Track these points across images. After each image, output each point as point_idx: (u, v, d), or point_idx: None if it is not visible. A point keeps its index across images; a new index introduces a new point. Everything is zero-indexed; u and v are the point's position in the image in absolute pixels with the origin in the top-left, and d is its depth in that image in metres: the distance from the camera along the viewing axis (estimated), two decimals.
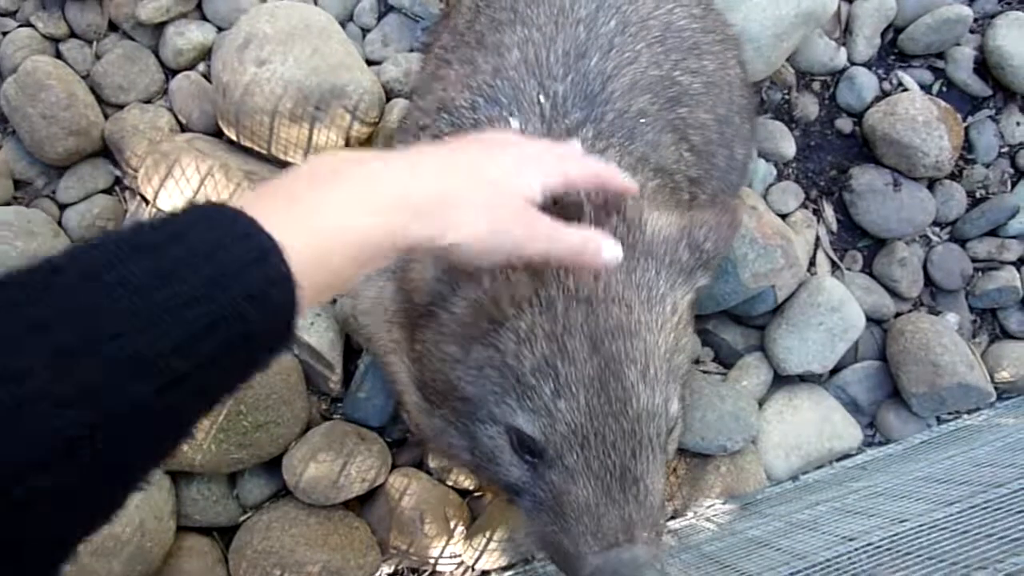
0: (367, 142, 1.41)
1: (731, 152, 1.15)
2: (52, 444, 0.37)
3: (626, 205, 0.79)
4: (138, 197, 1.45)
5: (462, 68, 1.01)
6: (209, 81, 1.47)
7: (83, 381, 0.38)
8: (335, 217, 0.51)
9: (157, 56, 1.49)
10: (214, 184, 1.33)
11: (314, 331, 1.36)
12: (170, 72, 1.50)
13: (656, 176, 0.94)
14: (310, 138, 1.35)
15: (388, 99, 1.42)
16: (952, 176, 1.68)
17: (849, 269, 1.62)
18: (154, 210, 1.40)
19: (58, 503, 0.39)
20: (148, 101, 1.49)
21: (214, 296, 0.42)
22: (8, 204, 1.44)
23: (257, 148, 1.38)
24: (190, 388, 0.42)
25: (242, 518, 1.41)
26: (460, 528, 1.40)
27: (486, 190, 0.60)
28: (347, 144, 1.37)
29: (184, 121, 1.47)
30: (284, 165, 1.41)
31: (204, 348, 0.42)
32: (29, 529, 0.39)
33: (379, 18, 1.54)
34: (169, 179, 1.34)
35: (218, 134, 1.45)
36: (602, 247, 0.66)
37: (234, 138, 1.39)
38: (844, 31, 1.66)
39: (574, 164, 0.69)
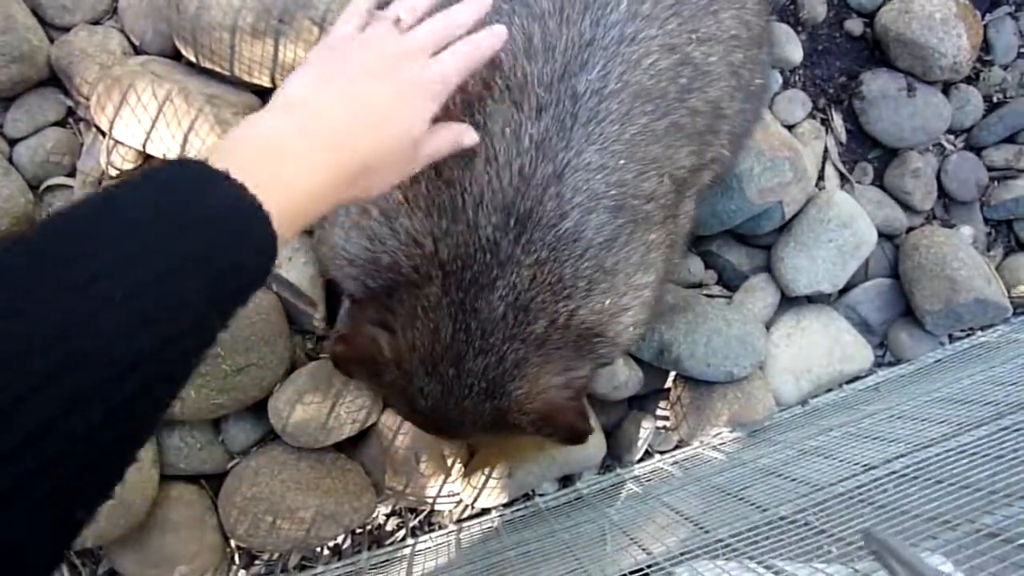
0: None
1: (746, 92, 0.97)
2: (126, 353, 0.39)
3: None
4: (93, 128, 1.34)
5: None
6: None
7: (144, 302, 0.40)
8: (303, 180, 0.54)
9: None
10: (174, 110, 1.22)
11: (292, 267, 1.27)
12: None
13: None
14: (276, 55, 1.23)
15: None
16: (968, 80, 1.58)
17: (859, 182, 1.53)
18: (111, 142, 1.28)
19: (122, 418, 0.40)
20: (97, 22, 1.35)
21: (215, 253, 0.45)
22: None
23: (218, 69, 1.26)
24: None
25: (230, 464, 1.35)
26: (458, 466, 1.35)
27: (396, 145, 0.63)
28: None
29: (137, 43, 1.34)
30: (248, 87, 1.29)
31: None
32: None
33: None
34: (124, 107, 1.22)
35: (176, 56, 1.32)
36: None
37: (193, 59, 1.27)
38: None
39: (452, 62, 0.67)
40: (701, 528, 0.93)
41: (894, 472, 0.90)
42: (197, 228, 0.44)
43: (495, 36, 0.69)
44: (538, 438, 1.29)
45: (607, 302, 0.84)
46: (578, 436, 0.91)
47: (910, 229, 1.54)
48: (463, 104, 0.80)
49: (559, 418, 0.88)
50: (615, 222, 0.81)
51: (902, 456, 0.94)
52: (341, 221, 0.89)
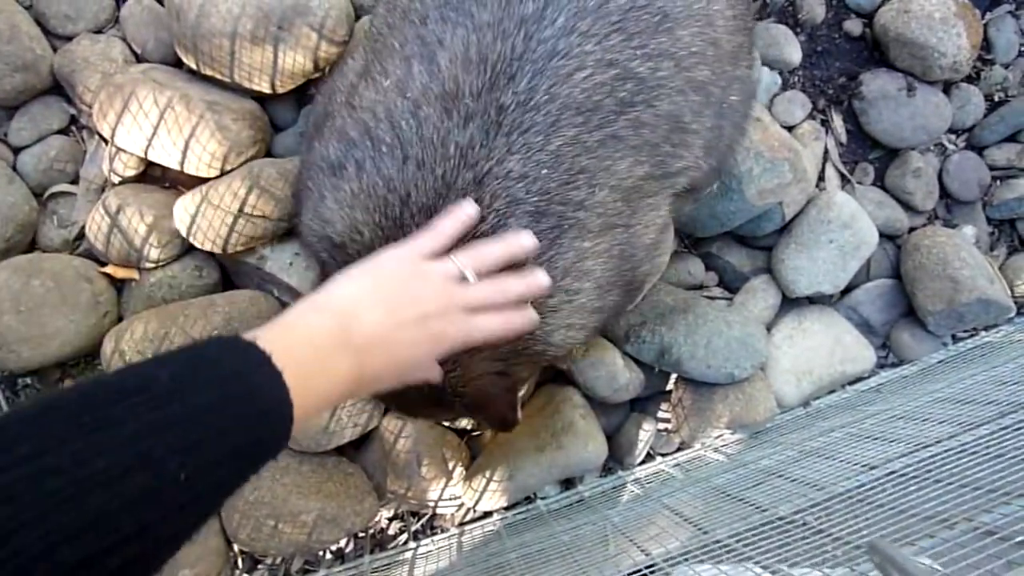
0: (337, 64, 1.29)
1: (718, 109, 0.99)
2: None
3: None
4: (96, 136, 1.35)
5: (387, 80, 0.90)
6: (163, 5, 1.34)
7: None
8: (327, 392, 0.62)
9: None
10: (175, 117, 1.23)
11: (294, 271, 1.28)
12: None
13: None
14: (275, 62, 1.24)
15: (357, 16, 1.30)
16: (969, 79, 1.57)
17: (860, 183, 1.53)
18: (113, 149, 1.30)
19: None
20: (99, 31, 1.37)
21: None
22: None
23: (219, 76, 1.27)
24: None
25: None
26: (459, 469, 1.35)
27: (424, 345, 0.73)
28: (316, 68, 1.26)
29: (139, 51, 1.35)
30: (249, 93, 1.30)
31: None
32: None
33: None
34: (126, 114, 1.23)
35: (177, 63, 1.33)
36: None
37: (194, 67, 1.28)
38: None
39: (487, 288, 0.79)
40: (701, 529, 0.93)
41: (894, 472, 0.89)
42: (250, 425, 0.51)
43: (528, 321, 0.83)
44: (538, 439, 1.30)
45: (530, 303, 0.87)
46: (505, 425, 0.97)
47: (912, 229, 1.53)
48: None
49: (489, 405, 0.94)
50: (536, 227, 0.84)
51: (903, 456, 0.94)
52: (310, 205, 0.95)
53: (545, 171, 0.83)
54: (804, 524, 0.82)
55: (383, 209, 0.85)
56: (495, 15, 0.83)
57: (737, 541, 0.84)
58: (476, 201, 0.82)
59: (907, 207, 1.52)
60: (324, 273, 0.97)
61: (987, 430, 0.92)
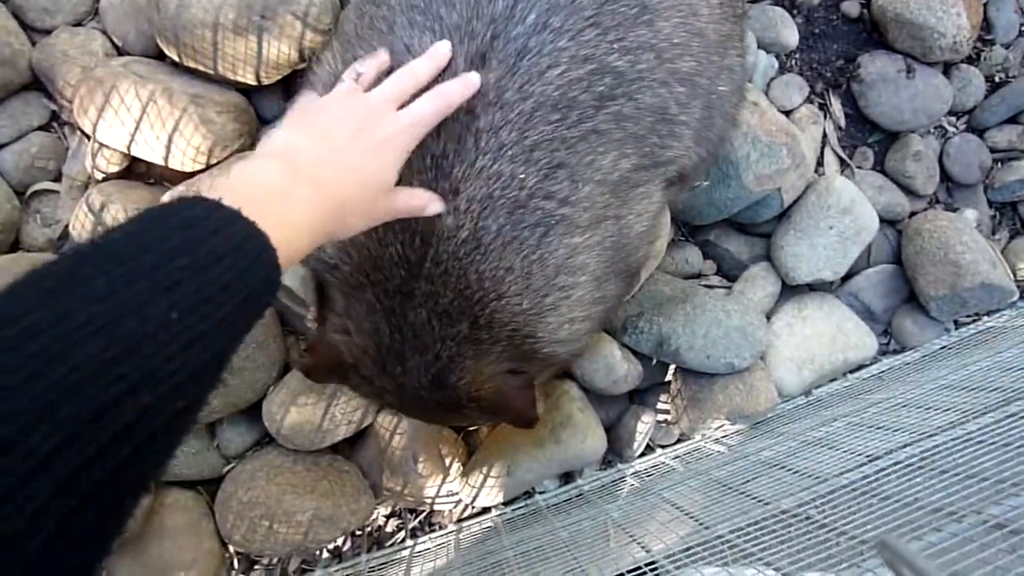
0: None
1: (707, 99, 0.96)
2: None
3: None
4: (77, 132, 1.32)
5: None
6: None
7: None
8: (299, 219, 0.61)
9: None
10: (157, 111, 1.20)
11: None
12: None
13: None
14: (260, 52, 1.21)
15: (342, 3, 1.27)
16: (969, 60, 1.55)
17: (859, 167, 1.50)
18: (96, 145, 1.27)
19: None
20: (78, 24, 1.33)
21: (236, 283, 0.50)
22: None
23: (202, 68, 1.24)
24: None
25: (225, 469, 1.34)
26: (456, 465, 1.33)
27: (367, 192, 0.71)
28: (301, 57, 1.23)
29: (120, 44, 1.32)
30: (233, 85, 1.27)
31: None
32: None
33: None
34: (107, 109, 1.20)
35: (159, 56, 1.30)
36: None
37: (176, 59, 1.25)
38: None
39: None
40: (701, 524, 0.91)
41: (898, 463, 0.87)
42: (226, 258, 0.49)
43: (465, 85, 0.78)
44: (535, 433, 1.28)
45: (524, 304, 0.87)
46: (525, 422, 0.96)
47: (912, 214, 1.51)
48: None
49: (507, 405, 0.93)
50: (518, 226, 0.83)
51: (907, 446, 0.91)
52: None
53: (521, 168, 0.81)
54: (808, 518, 0.79)
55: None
56: (464, 15, 0.81)
57: (739, 537, 0.82)
58: (454, 209, 0.81)
59: (908, 191, 1.50)
60: (318, 285, 0.97)
61: (992, 418, 0.90)
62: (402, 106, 0.76)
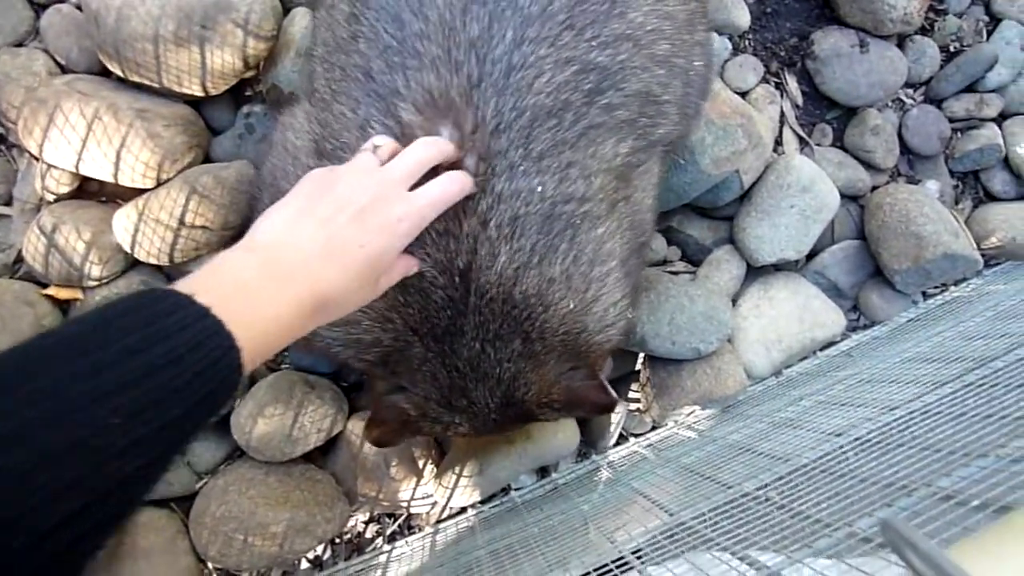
0: (269, 60, 1.25)
1: (685, 77, 1.00)
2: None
3: None
4: (26, 154, 1.30)
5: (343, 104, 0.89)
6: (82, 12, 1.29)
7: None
8: (268, 318, 0.59)
9: None
10: (103, 128, 1.18)
11: None
12: (39, 7, 1.32)
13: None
14: (203, 62, 1.19)
15: (286, 10, 1.25)
16: (923, 31, 1.54)
17: (819, 144, 1.50)
18: (44, 166, 1.25)
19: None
20: (19, 44, 1.31)
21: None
22: None
23: (147, 82, 1.23)
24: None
25: (198, 485, 1.33)
26: (429, 467, 1.32)
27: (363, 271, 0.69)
28: (247, 65, 1.22)
29: (63, 62, 1.30)
30: (180, 97, 1.25)
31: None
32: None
33: None
34: (52, 128, 1.19)
35: (104, 72, 1.29)
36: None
37: (120, 74, 1.23)
38: None
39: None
40: (668, 512, 0.91)
41: (858, 439, 0.87)
42: (185, 358, 0.48)
43: (463, 180, 0.78)
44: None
45: (571, 305, 0.89)
46: (604, 408, 0.98)
47: (874, 188, 1.51)
48: None
49: (582, 399, 0.96)
50: (548, 235, 0.85)
51: (867, 420, 0.91)
52: None
53: (536, 179, 0.83)
54: (767, 500, 0.79)
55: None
56: (442, 46, 0.81)
57: (702, 523, 0.81)
58: (487, 239, 0.83)
59: (868, 166, 1.50)
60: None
61: (950, 388, 0.90)
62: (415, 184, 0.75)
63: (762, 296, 1.38)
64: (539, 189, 0.83)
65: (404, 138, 0.81)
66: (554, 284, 0.87)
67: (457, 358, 0.89)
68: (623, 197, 0.94)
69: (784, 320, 1.37)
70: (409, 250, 0.78)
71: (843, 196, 1.43)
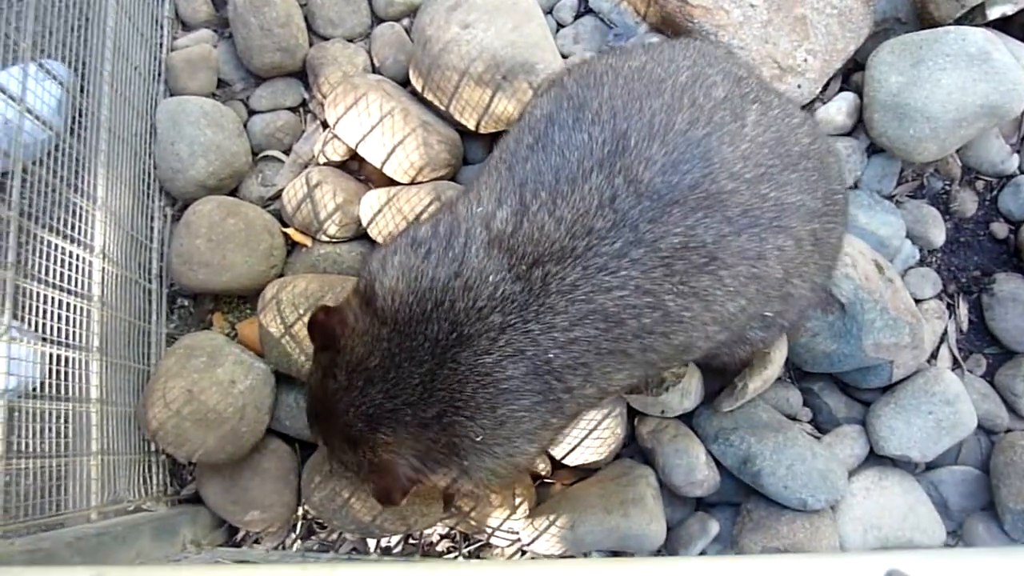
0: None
1: (735, 336, 1.13)
2: None
3: None
4: (317, 121, 1.57)
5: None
6: (409, 35, 1.57)
7: None
8: None
9: (370, 2, 1.62)
10: (392, 124, 1.42)
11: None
12: (377, 19, 1.62)
13: None
14: (489, 105, 1.42)
15: None
16: None
17: (971, 371, 1.58)
18: (330, 135, 1.50)
19: None
20: (351, 40, 1.61)
21: None
22: (208, 96, 1.58)
23: (437, 103, 1.47)
24: None
25: None
26: (524, 507, 1.42)
27: None
28: (520, 117, 1.44)
29: (378, 64, 1.58)
30: (455, 125, 1.49)
31: None
32: None
33: (576, 17, 1.62)
34: (353, 109, 1.44)
35: (405, 83, 1.55)
36: None
37: (419, 89, 1.48)
38: (1022, 139, 1.65)
39: None
40: None
41: None
42: None
43: None
44: (607, 500, 1.36)
45: (480, 437, 1.02)
46: (384, 500, 1.07)
47: (1009, 431, 1.56)
48: None
49: (383, 477, 1.05)
50: (523, 380, 0.99)
51: None
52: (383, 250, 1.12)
53: (554, 351, 0.98)
54: None
55: (418, 296, 1.00)
56: (575, 209, 0.97)
57: None
58: (492, 351, 0.98)
59: (1011, 408, 1.56)
60: (356, 288, 1.12)
61: None
62: None
63: (876, 482, 1.45)
64: (549, 357, 0.99)
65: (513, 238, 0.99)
66: (489, 415, 1.01)
67: (405, 360, 1.03)
68: (581, 402, 1.07)
69: (889, 512, 1.43)
70: None
71: (979, 427, 1.49)
